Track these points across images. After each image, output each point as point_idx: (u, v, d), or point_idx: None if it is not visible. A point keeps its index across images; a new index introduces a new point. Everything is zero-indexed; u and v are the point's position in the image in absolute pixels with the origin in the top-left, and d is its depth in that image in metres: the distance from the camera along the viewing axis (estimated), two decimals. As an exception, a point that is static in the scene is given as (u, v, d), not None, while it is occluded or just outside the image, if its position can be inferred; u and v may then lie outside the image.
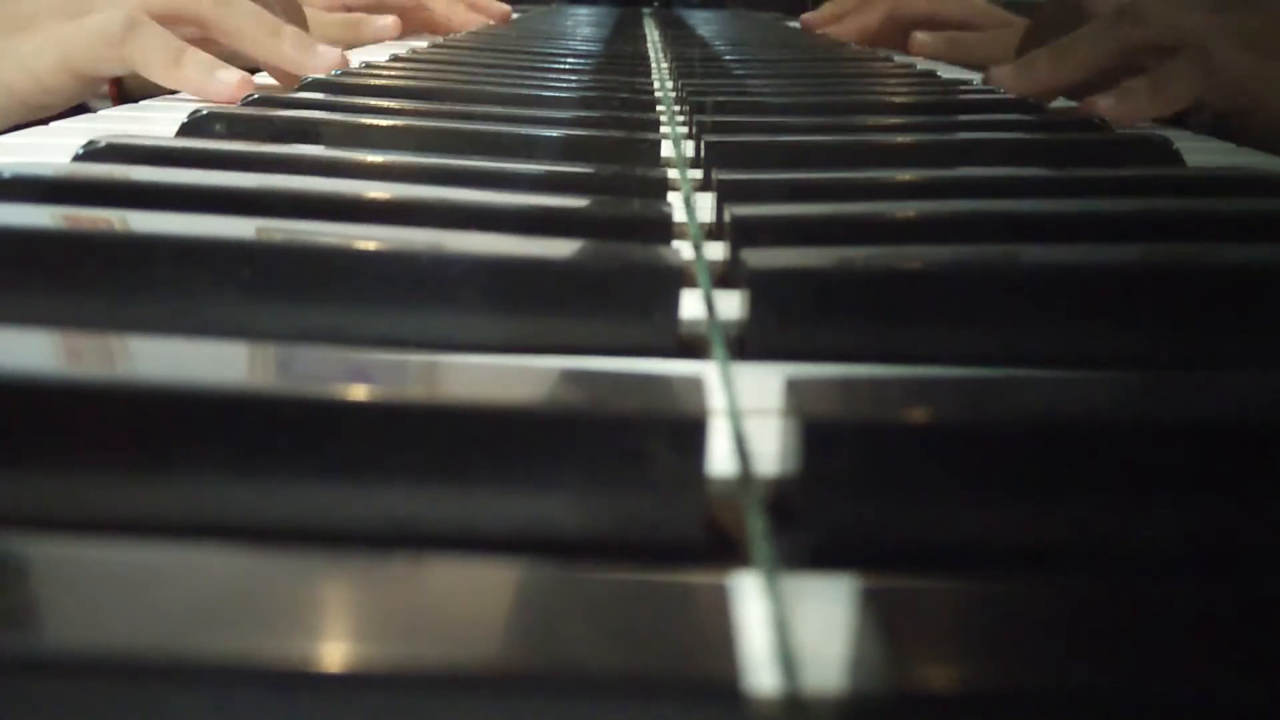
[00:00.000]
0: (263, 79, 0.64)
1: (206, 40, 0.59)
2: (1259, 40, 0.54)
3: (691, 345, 0.24)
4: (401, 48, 0.81)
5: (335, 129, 0.41)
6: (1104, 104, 0.53)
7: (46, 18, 0.55)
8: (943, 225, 0.29)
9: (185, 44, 0.56)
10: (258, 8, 0.61)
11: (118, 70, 0.56)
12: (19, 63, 0.55)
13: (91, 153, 0.34)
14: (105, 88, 0.75)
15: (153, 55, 0.54)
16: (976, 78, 0.66)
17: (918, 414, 0.17)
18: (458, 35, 0.98)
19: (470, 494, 0.16)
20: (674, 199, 0.34)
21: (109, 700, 0.12)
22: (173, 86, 0.57)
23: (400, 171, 0.34)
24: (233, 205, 0.28)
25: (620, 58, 0.79)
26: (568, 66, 0.70)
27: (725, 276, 0.28)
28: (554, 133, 0.42)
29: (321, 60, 0.62)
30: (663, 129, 0.48)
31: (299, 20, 0.73)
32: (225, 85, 0.54)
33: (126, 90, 0.75)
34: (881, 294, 0.24)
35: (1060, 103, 0.59)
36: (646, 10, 1.73)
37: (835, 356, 0.23)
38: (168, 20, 0.56)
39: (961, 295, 0.24)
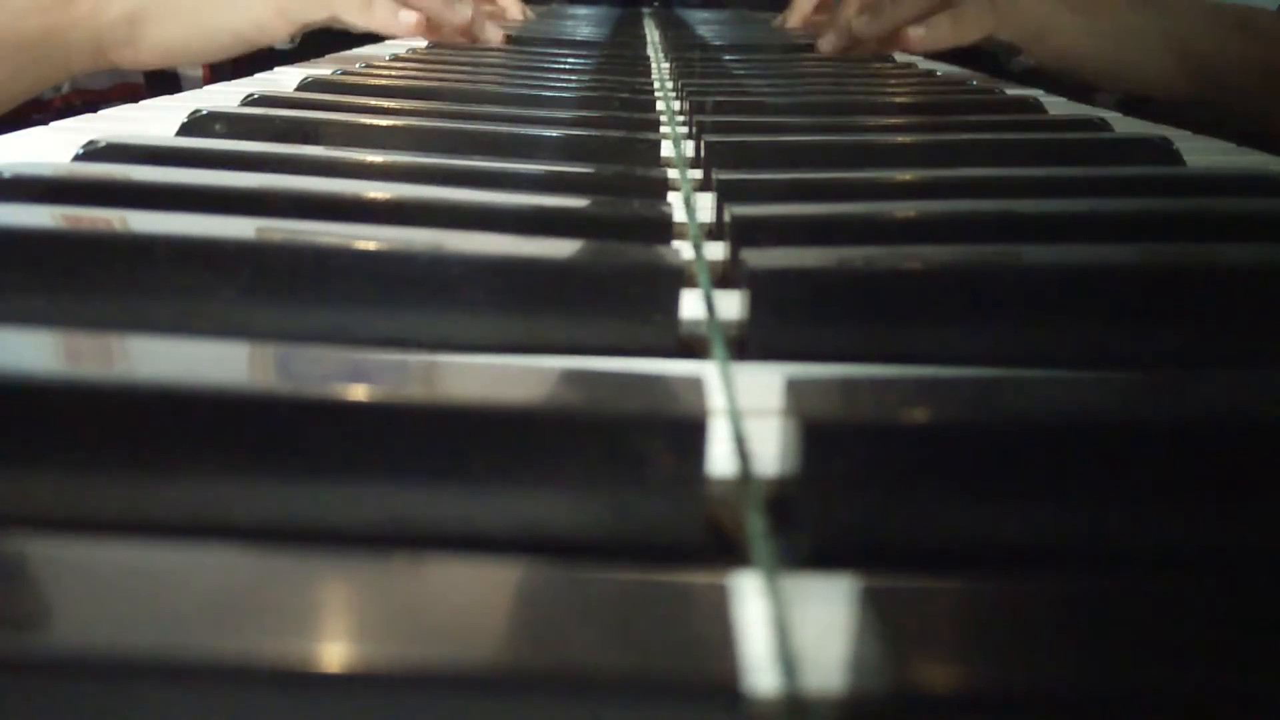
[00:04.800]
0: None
1: None
2: None
3: (691, 345, 0.24)
4: (401, 47, 0.81)
5: (335, 129, 0.41)
6: (914, 34, 0.67)
7: None
8: (943, 225, 0.29)
9: None
10: None
11: (320, 14, 0.70)
12: (243, 10, 0.69)
13: (91, 153, 0.34)
14: (200, 69, 0.93)
15: (351, 1, 0.69)
16: (976, 77, 0.66)
17: (918, 414, 0.17)
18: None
19: (470, 494, 0.16)
20: (674, 199, 0.34)
21: (109, 700, 0.12)
22: (364, 25, 0.71)
23: (400, 171, 0.34)
24: (233, 205, 0.28)
25: (620, 58, 0.79)
26: (568, 66, 0.70)
27: (725, 276, 0.28)
28: (554, 133, 0.42)
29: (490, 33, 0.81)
30: (663, 129, 0.48)
31: None
32: (407, 25, 0.71)
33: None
34: (881, 294, 0.24)
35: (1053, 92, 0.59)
36: (646, 10, 1.73)
37: (835, 356, 0.23)
38: None
39: (961, 295, 0.24)
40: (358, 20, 0.70)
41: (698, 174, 0.40)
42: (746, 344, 0.24)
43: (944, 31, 0.66)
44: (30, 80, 0.65)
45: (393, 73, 0.62)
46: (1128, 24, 0.65)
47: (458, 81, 0.60)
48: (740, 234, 0.28)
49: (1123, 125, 0.52)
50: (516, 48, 0.85)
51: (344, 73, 0.60)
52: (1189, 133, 0.50)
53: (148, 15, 0.65)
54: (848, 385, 0.19)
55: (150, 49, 0.66)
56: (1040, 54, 0.66)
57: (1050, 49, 0.65)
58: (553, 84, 0.60)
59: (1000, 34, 0.65)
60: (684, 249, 0.27)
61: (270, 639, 0.12)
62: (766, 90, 0.62)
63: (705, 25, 1.34)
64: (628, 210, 0.30)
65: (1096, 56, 0.64)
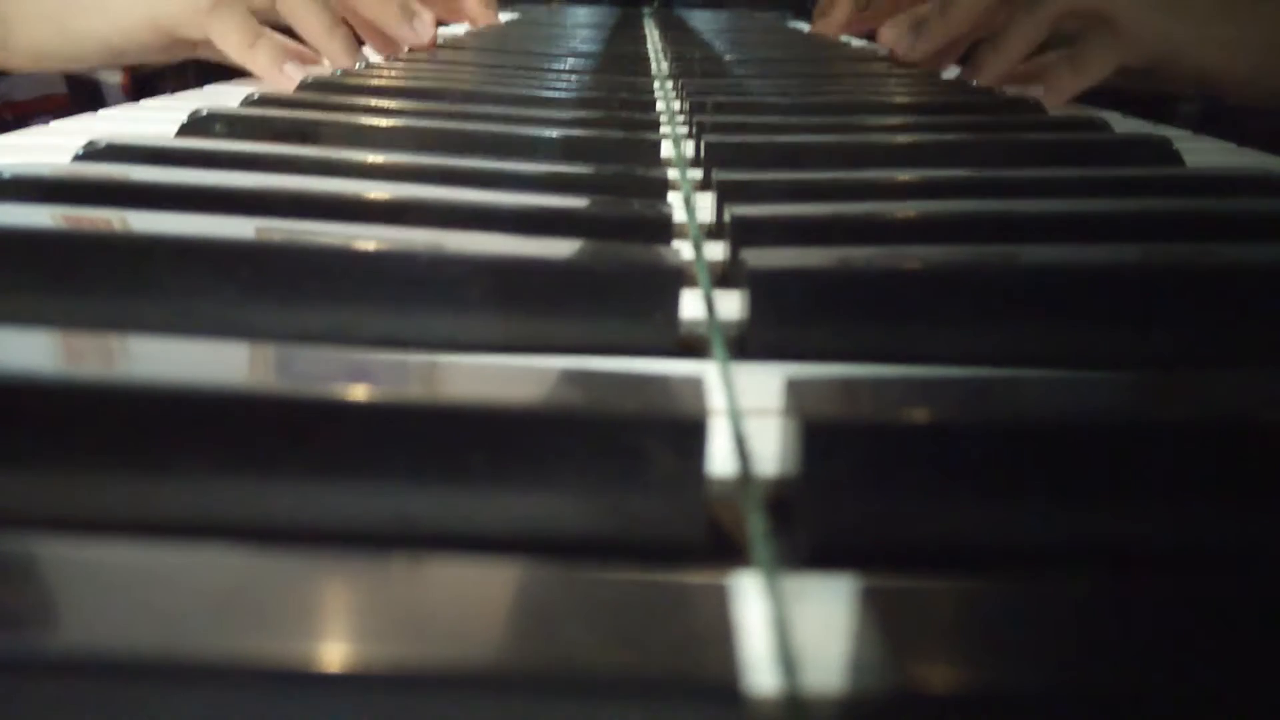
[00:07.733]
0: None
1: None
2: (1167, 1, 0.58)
3: (691, 345, 0.24)
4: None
5: (335, 129, 0.41)
6: (1033, 94, 0.58)
7: None
8: (943, 225, 0.29)
9: (263, 28, 0.61)
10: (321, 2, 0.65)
11: (197, 35, 0.61)
12: (110, 16, 0.61)
13: (91, 153, 0.34)
14: (119, 76, 0.80)
15: (232, 31, 0.60)
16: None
17: (917, 414, 0.17)
18: (457, 35, 0.98)
19: (470, 494, 0.16)
20: (674, 199, 0.34)
21: (109, 700, 0.12)
22: (243, 65, 0.61)
23: (400, 171, 0.34)
24: (232, 205, 0.28)
25: (620, 58, 0.79)
26: (568, 66, 0.70)
27: (725, 276, 0.28)
28: (554, 133, 0.42)
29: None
30: (663, 129, 0.48)
31: None
32: (289, 79, 0.59)
33: (139, 76, 0.79)
34: (881, 294, 0.24)
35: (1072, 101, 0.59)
36: (646, 10, 1.73)
37: (835, 356, 0.23)
38: None
39: (961, 295, 0.24)
40: (234, 55, 0.61)
41: (698, 174, 0.40)
42: (746, 344, 0.24)
43: (1065, 83, 0.58)
44: None
45: (392, 73, 0.62)
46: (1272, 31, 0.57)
47: (457, 81, 0.60)
48: (740, 234, 0.28)
49: (1122, 125, 0.52)
50: (517, 48, 0.85)
51: (344, 73, 0.60)
52: (1189, 133, 0.50)
53: (10, 16, 0.62)
54: (848, 385, 0.19)
55: (21, 51, 0.63)
56: (1171, 75, 0.58)
57: (1186, 69, 0.57)
58: (552, 84, 0.60)
59: (1129, 62, 0.58)
60: (684, 249, 0.27)
61: (270, 639, 0.12)
62: (766, 90, 0.62)
63: (705, 25, 1.34)
64: (628, 210, 0.30)
65: (1242, 71, 0.56)
